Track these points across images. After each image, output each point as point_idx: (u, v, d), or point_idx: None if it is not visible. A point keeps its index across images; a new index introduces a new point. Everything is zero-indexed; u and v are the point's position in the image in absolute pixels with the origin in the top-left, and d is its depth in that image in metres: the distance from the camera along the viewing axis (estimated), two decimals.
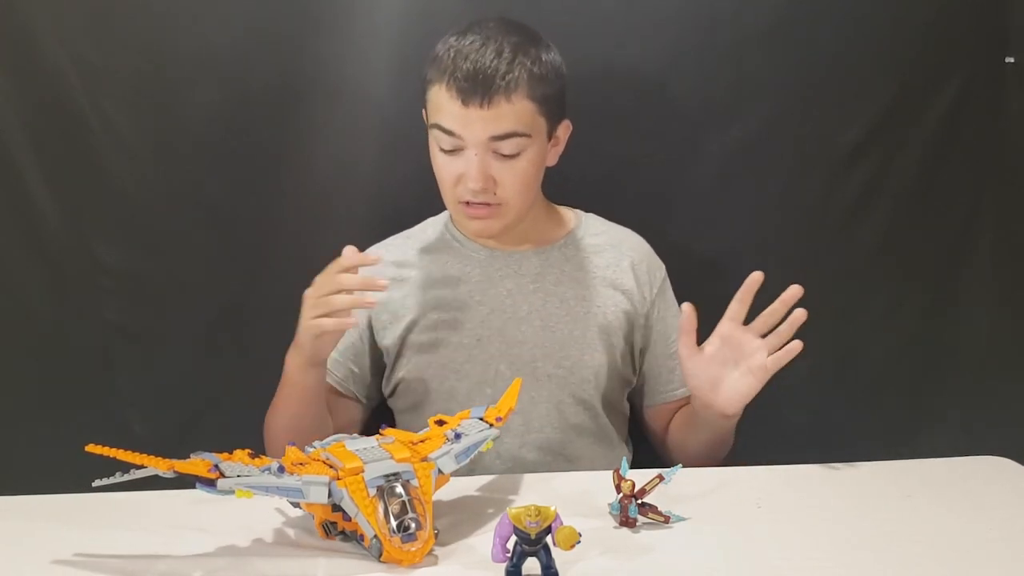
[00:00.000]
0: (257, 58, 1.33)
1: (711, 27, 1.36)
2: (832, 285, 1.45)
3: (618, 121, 1.36)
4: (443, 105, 1.08)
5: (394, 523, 0.80)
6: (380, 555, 0.82)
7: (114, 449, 0.79)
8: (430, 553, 0.84)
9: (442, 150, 1.11)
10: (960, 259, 1.47)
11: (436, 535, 0.84)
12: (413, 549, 0.81)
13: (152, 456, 0.80)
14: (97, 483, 0.81)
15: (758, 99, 1.39)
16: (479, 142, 1.08)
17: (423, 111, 1.17)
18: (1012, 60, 1.41)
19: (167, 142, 1.34)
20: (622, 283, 1.22)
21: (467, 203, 1.13)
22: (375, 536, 0.81)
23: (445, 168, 1.12)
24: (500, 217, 1.14)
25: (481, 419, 0.96)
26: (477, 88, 1.05)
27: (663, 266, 1.28)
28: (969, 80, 1.41)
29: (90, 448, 0.80)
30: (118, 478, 0.81)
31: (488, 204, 1.12)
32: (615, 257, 1.24)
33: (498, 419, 0.96)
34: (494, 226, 1.15)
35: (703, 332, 1.27)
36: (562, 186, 1.24)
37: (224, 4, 1.32)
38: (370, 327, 1.23)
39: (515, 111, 1.07)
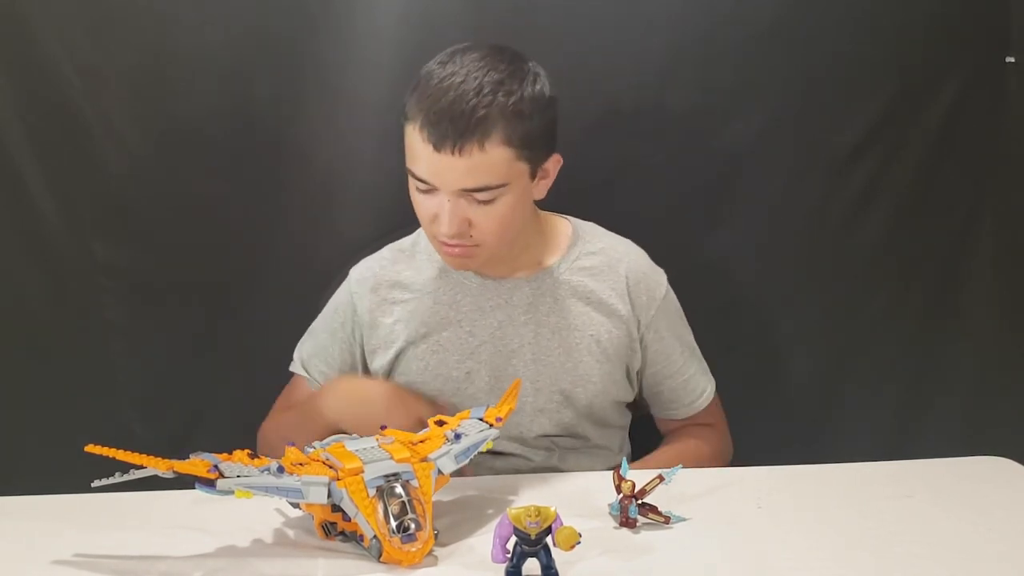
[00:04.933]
0: (257, 59, 1.33)
1: (711, 27, 1.36)
2: (832, 285, 1.46)
3: (618, 121, 1.36)
4: (416, 149, 1.03)
5: (394, 523, 0.80)
6: (380, 555, 0.82)
7: (114, 449, 0.79)
8: (430, 553, 0.84)
9: (418, 190, 1.08)
10: (960, 259, 1.47)
11: (436, 535, 0.84)
12: (413, 549, 0.81)
13: (152, 456, 0.80)
14: (97, 483, 0.81)
15: (758, 99, 1.39)
16: (451, 191, 1.04)
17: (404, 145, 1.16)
18: (1012, 60, 1.41)
19: (167, 142, 1.34)
20: (617, 308, 1.18)
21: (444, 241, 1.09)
22: (375, 536, 0.81)
23: (421, 206, 1.09)
24: (476, 256, 1.10)
25: (481, 419, 0.96)
26: (448, 134, 1.00)
27: (662, 282, 1.22)
28: (969, 80, 1.41)
29: (90, 448, 0.80)
30: (118, 478, 0.81)
31: (464, 245, 1.09)
32: (611, 279, 1.19)
33: (498, 419, 0.96)
34: (470, 264, 1.12)
35: (704, 334, 1.28)
36: (561, 188, 1.24)
37: (224, 4, 1.32)
38: (362, 347, 1.21)
39: (489, 160, 1.02)
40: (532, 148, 1.06)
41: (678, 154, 1.40)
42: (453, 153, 1.00)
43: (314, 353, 1.23)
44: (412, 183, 1.09)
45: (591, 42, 1.34)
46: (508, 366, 1.17)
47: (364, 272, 1.23)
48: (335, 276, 1.30)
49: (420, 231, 1.25)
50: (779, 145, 1.40)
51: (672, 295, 1.24)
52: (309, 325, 1.27)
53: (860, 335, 1.47)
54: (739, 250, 1.43)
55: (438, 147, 1.01)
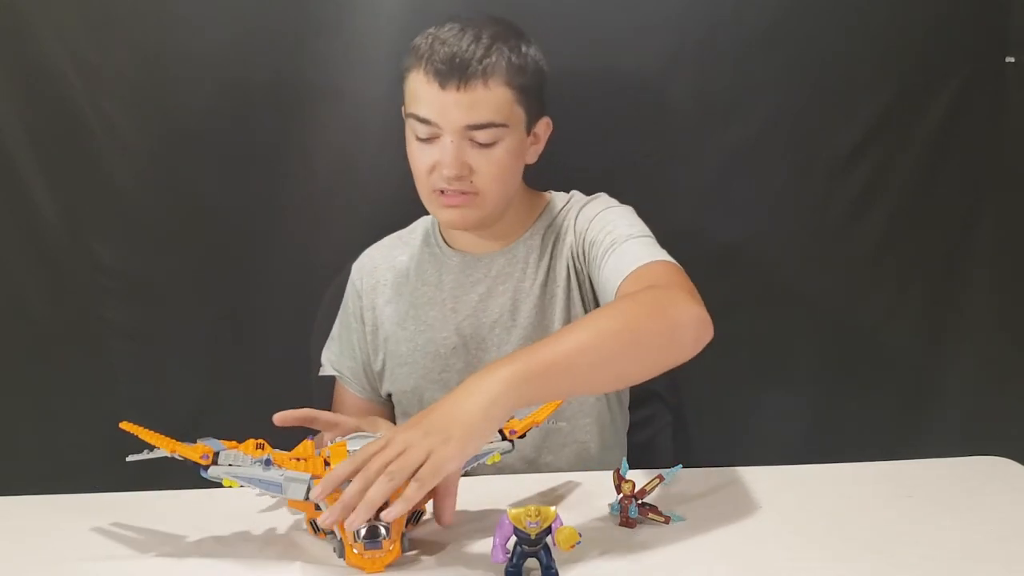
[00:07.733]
0: (257, 58, 1.33)
1: (711, 27, 1.36)
2: (832, 285, 1.46)
3: (618, 120, 1.36)
4: (419, 91, 1.06)
5: (362, 529, 0.79)
6: (342, 555, 0.81)
7: (143, 429, 0.84)
8: (430, 554, 0.84)
9: (418, 139, 1.09)
10: (960, 259, 1.47)
11: (405, 547, 0.82)
12: (375, 557, 0.80)
13: (167, 438, 0.84)
14: (131, 458, 0.84)
15: (758, 99, 1.39)
16: (455, 129, 1.05)
17: (402, 107, 1.17)
18: (1012, 60, 1.41)
19: (167, 142, 1.34)
20: (576, 254, 1.16)
21: (442, 192, 1.09)
22: (340, 538, 0.80)
23: (420, 157, 1.09)
24: (476, 207, 1.10)
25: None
26: (454, 71, 1.03)
27: (597, 196, 1.19)
28: (969, 80, 1.41)
29: (124, 425, 0.84)
30: (146, 455, 0.84)
31: (463, 192, 1.09)
32: (569, 229, 1.17)
33: (512, 432, 0.92)
34: (469, 216, 1.11)
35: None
36: (562, 187, 1.24)
37: (224, 4, 1.32)
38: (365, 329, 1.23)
39: (492, 97, 1.05)
40: (529, 97, 1.09)
41: (678, 154, 1.40)
42: (458, 89, 1.04)
43: (341, 352, 1.24)
44: (412, 135, 1.10)
45: (591, 43, 1.34)
46: (491, 336, 1.17)
47: (363, 259, 1.26)
48: (335, 276, 1.30)
49: (422, 219, 1.26)
50: (779, 144, 1.41)
51: (605, 200, 1.18)
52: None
53: (860, 335, 1.47)
54: (738, 250, 1.43)
55: (444, 84, 1.04)
